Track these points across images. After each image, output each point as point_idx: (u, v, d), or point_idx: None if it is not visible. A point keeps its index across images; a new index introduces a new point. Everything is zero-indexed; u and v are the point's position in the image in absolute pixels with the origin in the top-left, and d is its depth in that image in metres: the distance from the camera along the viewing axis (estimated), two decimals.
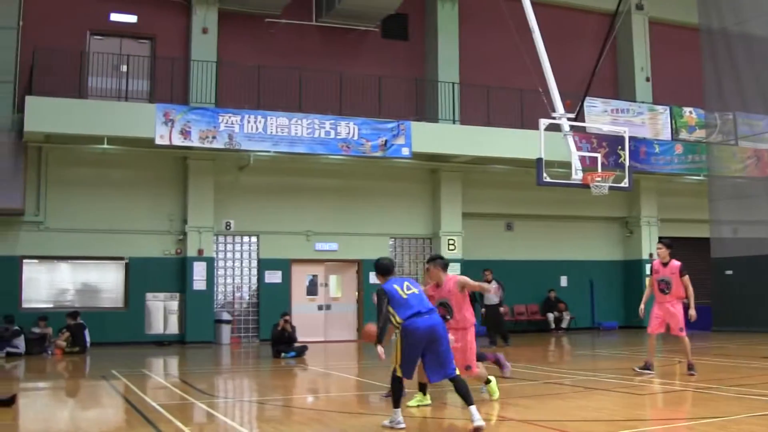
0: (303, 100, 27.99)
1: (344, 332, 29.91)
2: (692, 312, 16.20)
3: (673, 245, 16.66)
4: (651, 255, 34.07)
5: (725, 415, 11.10)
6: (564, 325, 32.83)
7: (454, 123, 30.18)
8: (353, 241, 30.08)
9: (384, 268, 11.46)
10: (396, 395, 10.51)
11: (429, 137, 28.52)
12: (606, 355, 23.33)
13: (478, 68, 31.71)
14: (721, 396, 13.32)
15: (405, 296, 10.72)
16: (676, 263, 16.43)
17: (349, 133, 27.10)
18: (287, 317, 23.22)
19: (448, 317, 12.34)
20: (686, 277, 16.32)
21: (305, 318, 28.36)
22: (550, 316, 32.69)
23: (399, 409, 10.43)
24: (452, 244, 30.61)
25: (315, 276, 29.63)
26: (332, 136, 26.95)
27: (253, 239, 29.38)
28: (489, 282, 25.18)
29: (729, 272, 30.56)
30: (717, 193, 32.61)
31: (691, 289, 16.31)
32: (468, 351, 12.52)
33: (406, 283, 10.99)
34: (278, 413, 12.80)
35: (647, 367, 16.50)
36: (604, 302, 34.44)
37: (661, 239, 17.07)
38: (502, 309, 26.53)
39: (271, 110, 26.67)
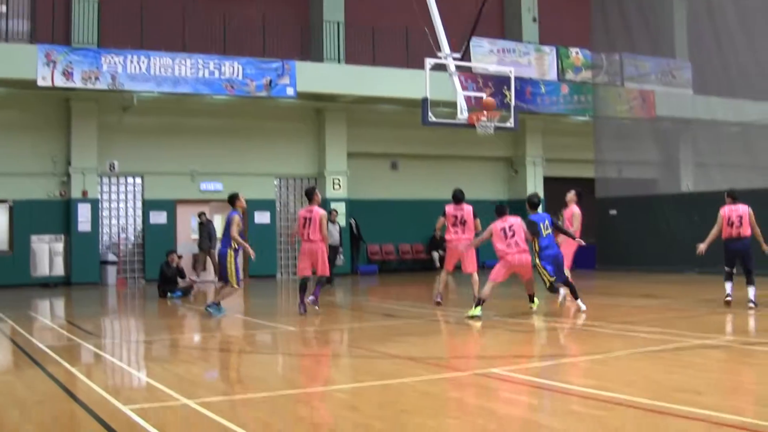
0: (187, 40, 27.60)
1: None
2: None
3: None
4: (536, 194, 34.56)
5: (607, 351, 11.41)
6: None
7: (339, 62, 30.04)
8: (238, 181, 29.81)
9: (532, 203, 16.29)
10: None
11: (314, 77, 28.33)
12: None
13: (364, 7, 31.51)
14: (603, 333, 13.67)
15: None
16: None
17: (233, 73, 26.81)
18: (173, 254, 23.01)
19: None
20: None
21: (191, 258, 28.13)
22: (435, 254, 32.96)
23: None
24: (337, 184, 30.62)
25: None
26: (216, 76, 26.63)
27: (138, 180, 28.97)
28: (334, 222, 25.45)
29: (613, 212, 31.15)
30: (602, 133, 33.16)
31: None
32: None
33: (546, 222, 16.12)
34: (165, 352, 12.77)
35: None
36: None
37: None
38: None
39: (155, 50, 26.20)
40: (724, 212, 16.74)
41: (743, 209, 16.68)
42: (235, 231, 16.02)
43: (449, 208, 18.44)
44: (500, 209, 16.79)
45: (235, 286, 16.13)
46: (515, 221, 16.30)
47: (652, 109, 33.57)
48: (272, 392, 9.00)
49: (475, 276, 17.92)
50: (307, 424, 7.43)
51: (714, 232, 16.72)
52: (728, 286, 16.65)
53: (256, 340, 13.97)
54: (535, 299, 16.88)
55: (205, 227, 27.48)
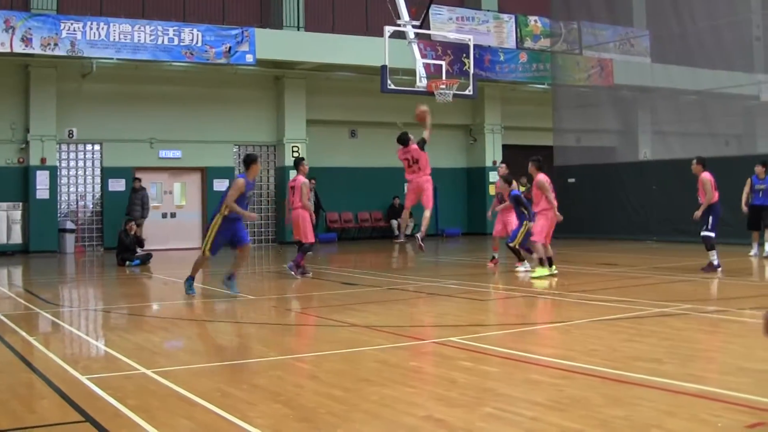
0: (146, 7, 27.35)
1: (189, 240, 29.62)
2: None
3: None
4: (495, 162, 34.66)
5: (568, 320, 11.46)
6: (408, 231, 33.17)
7: (298, 30, 29.84)
8: (197, 148, 29.70)
9: None
10: None
11: (273, 44, 28.17)
12: (449, 261, 23.76)
13: None
14: (563, 302, 13.75)
15: None
16: None
17: (192, 40, 26.58)
18: (131, 223, 22.85)
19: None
20: None
21: (150, 226, 27.94)
22: (394, 222, 32.98)
23: None
24: (296, 152, 30.47)
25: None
26: (176, 42, 26.40)
27: (96, 147, 28.71)
28: (311, 190, 25.69)
29: (571, 180, 31.25)
30: (561, 101, 33.27)
31: None
32: None
33: None
34: (124, 321, 12.69)
35: None
36: (448, 209, 34.91)
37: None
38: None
39: (114, 17, 25.92)
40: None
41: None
42: (232, 197, 14.27)
43: (399, 153, 19.48)
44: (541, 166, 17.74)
45: (206, 254, 15.05)
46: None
47: (611, 77, 33.69)
48: (231, 361, 8.98)
49: (428, 213, 18.83)
50: (266, 392, 7.40)
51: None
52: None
53: (216, 309, 13.90)
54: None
55: (138, 194, 27.29)
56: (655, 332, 10.33)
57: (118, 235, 22.52)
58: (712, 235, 17.30)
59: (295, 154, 30.16)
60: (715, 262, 17.17)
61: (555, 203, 17.29)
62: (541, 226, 17.15)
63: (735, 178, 22.12)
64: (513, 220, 18.84)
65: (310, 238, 17.65)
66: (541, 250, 17.04)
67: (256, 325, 11.91)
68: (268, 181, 31.35)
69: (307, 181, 17.90)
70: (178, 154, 29.50)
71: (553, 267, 17.06)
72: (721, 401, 6.75)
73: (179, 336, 11.22)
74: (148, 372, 8.21)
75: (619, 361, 8.38)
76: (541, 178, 17.36)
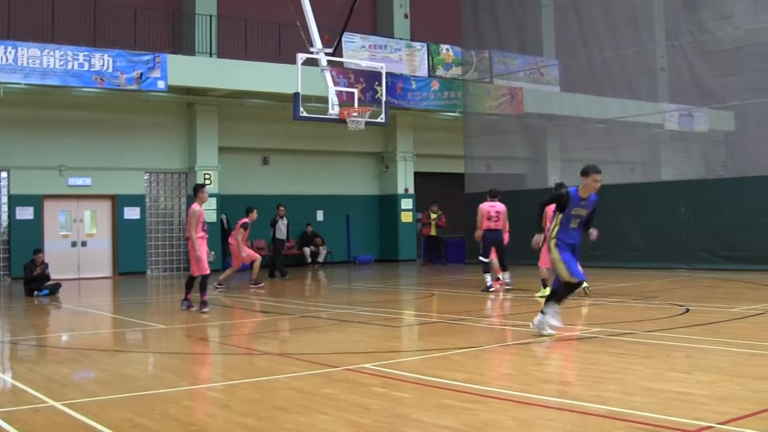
0: (56, 31, 26.98)
1: (99, 269, 29.27)
2: None
3: None
4: (407, 189, 34.91)
5: (479, 344, 11.58)
6: (320, 259, 33.23)
7: (211, 56, 29.78)
8: (108, 175, 29.37)
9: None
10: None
11: (185, 70, 28.02)
12: (362, 288, 23.81)
13: (237, 0, 31.33)
14: (475, 327, 13.88)
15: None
16: None
17: (103, 66, 26.33)
18: (40, 254, 22.51)
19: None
20: None
21: (59, 255, 27.55)
22: (307, 250, 33.01)
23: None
24: (208, 179, 30.31)
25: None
26: (86, 68, 26.13)
27: (3, 174, 28.19)
28: (282, 217, 25.74)
29: None
30: (472, 129, 33.60)
31: None
32: None
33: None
34: (32, 353, 12.49)
35: None
36: (360, 236, 35.03)
37: None
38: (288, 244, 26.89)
39: (23, 41, 25.56)
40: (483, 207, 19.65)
41: (500, 206, 19.71)
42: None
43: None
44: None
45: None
46: None
47: (521, 105, 34.13)
48: (143, 392, 8.88)
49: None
50: (178, 423, 7.36)
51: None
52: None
53: (127, 339, 13.77)
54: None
55: None
56: (564, 355, 10.51)
57: (25, 266, 22.17)
58: (486, 260, 19.33)
59: (207, 182, 30.01)
60: (488, 283, 19.09)
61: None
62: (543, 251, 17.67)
63: (640, 203, 22.57)
64: None
65: (193, 270, 16.75)
66: (545, 273, 17.54)
67: (168, 354, 11.82)
68: (180, 209, 31.10)
69: (198, 209, 16.63)
70: (88, 181, 29.12)
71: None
72: (627, 421, 6.92)
73: (89, 367, 11.08)
74: (57, 404, 8.10)
75: (530, 385, 8.51)
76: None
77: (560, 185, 17.65)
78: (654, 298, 17.04)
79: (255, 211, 23.31)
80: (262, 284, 23.22)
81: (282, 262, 27.10)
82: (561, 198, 11.85)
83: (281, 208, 26.29)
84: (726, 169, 29.69)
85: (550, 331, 11.61)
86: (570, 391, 8.18)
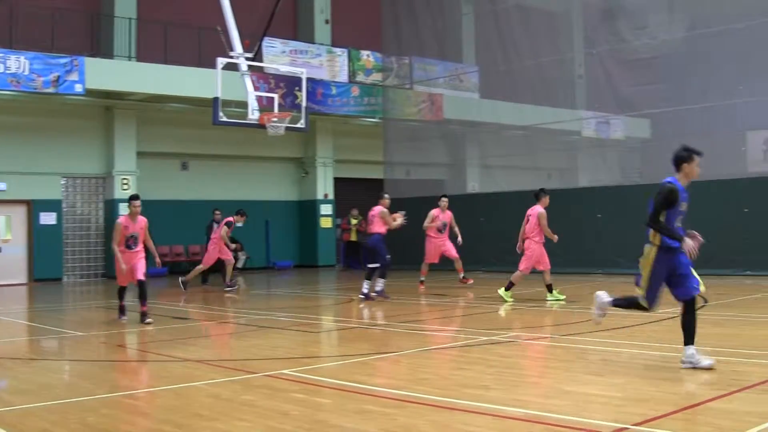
0: None
1: (15, 276, 28.77)
2: None
3: None
4: (326, 195, 34.91)
5: (399, 350, 11.62)
6: (239, 264, 32.94)
7: (130, 60, 29.43)
8: (23, 180, 28.87)
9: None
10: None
11: (104, 74, 27.65)
12: (281, 294, 23.74)
13: (157, 4, 31.04)
14: (393, 332, 13.92)
15: None
16: None
17: (19, 68, 25.88)
18: None
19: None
20: None
21: None
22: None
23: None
24: (126, 184, 29.97)
25: None
26: (1, 70, 25.65)
27: None
28: (218, 222, 25.41)
29: (401, 213, 31.49)
30: (391, 135, 33.75)
31: None
32: None
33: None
34: None
35: None
36: (280, 242, 34.93)
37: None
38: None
39: None
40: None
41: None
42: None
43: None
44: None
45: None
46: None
47: (440, 112, 34.36)
48: (60, 400, 8.75)
49: None
50: (96, 431, 7.28)
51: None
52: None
53: (43, 347, 13.57)
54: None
55: None
56: (482, 360, 10.59)
57: None
58: (372, 266, 18.88)
59: (125, 187, 29.70)
60: (365, 291, 18.65)
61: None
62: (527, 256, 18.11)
63: (557, 209, 22.81)
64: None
65: (119, 281, 16.16)
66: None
67: (85, 362, 11.68)
68: (97, 214, 30.72)
69: (120, 221, 15.84)
70: (2, 186, 28.61)
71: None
72: (544, 424, 7.02)
73: (4, 376, 10.89)
74: None
75: (449, 389, 8.58)
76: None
77: (542, 191, 18.04)
78: (570, 303, 17.25)
79: (245, 218, 24.44)
80: (236, 287, 23.25)
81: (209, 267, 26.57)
82: (671, 194, 9.69)
83: (217, 213, 25.94)
84: (641, 175, 30.17)
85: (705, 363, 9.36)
86: (488, 395, 8.25)
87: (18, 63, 25.90)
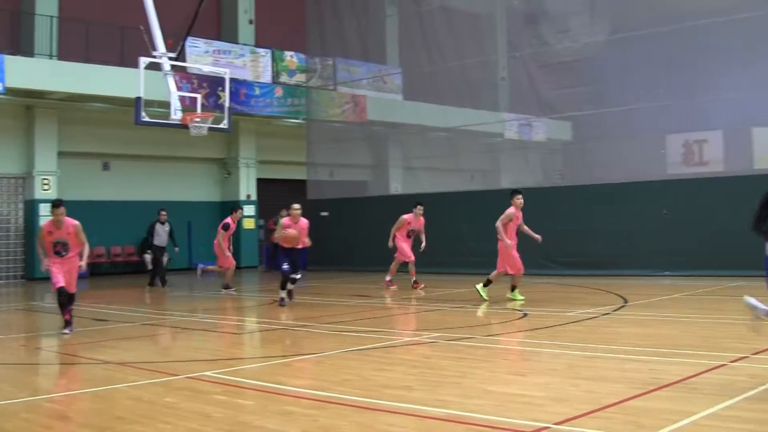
0: None
1: None
2: None
3: None
4: (249, 196, 34.79)
5: (321, 351, 11.64)
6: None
7: (51, 58, 29.03)
8: None
9: None
10: None
11: (24, 72, 27.18)
12: (203, 296, 23.61)
13: (79, 2, 30.63)
14: (316, 333, 13.94)
15: None
16: None
17: None
18: None
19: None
20: None
21: None
22: (147, 257, 32.43)
23: None
24: (46, 184, 29.58)
25: None
26: None
27: None
28: (163, 223, 25.08)
29: (324, 213, 31.61)
30: (315, 136, 33.76)
31: None
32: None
33: None
34: None
35: None
36: (202, 243, 34.68)
37: None
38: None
39: None
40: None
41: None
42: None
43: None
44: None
45: None
46: None
47: (364, 113, 34.43)
48: None
49: None
50: None
51: None
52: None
53: None
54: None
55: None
56: (405, 360, 10.66)
57: None
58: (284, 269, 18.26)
59: (45, 187, 29.32)
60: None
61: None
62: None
63: (479, 211, 23.08)
64: None
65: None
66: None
67: (4, 365, 11.52)
68: (17, 215, 30.26)
69: (43, 227, 14.98)
70: None
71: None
72: (466, 423, 7.10)
73: None
74: None
75: (371, 390, 8.63)
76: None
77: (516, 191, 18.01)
78: (492, 304, 17.41)
79: (240, 210, 24.14)
80: (234, 288, 23.15)
81: (162, 269, 26.03)
82: None
83: (162, 213, 25.52)
84: (563, 177, 30.53)
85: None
86: (410, 395, 8.31)
87: None
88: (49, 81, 28.05)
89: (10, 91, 27.34)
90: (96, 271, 31.29)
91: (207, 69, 27.56)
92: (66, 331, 14.22)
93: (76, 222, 14.75)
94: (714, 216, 22.58)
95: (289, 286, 18.36)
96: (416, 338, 12.52)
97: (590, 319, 14.11)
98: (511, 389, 8.56)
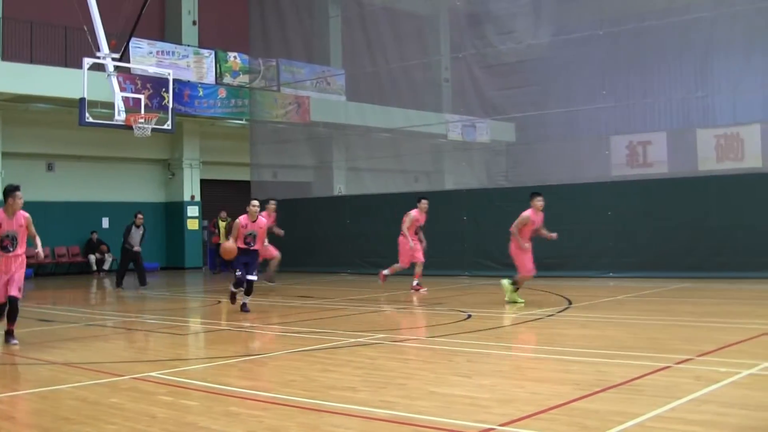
0: None
1: None
2: None
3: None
4: (192, 197, 34.68)
5: (265, 352, 11.70)
6: (106, 266, 32.62)
7: None
8: None
9: None
10: None
11: None
12: (148, 296, 23.53)
13: (23, 2, 30.32)
14: (260, 334, 13.98)
15: None
16: None
17: None
18: None
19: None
20: None
21: None
22: (92, 257, 32.36)
23: None
24: None
25: None
26: None
27: None
28: (138, 226, 24.84)
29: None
30: (258, 137, 33.74)
31: None
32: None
33: None
34: None
35: None
36: (146, 243, 34.37)
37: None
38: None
39: None
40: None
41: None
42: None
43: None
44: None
45: None
46: None
47: (307, 114, 34.46)
48: None
49: None
50: None
51: None
52: None
53: None
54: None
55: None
56: (349, 362, 10.73)
57: None
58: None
59: None
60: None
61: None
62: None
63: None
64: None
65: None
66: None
67: None
68: None
69: None
70: None
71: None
72: (411, 425, 7.18)
73: None
74: None
75: (316, 391, 8.69)
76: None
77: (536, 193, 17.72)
78: (437, 305, 17.54)
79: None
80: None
81: (141, 270, 25.74)
82: None
83: (139, 216, 25.26)
84: (507, 179, 30.73)
85: None
86: (356, 396, 8.38)
87: None
88: None
89: None
90: (41, 272, 31.05)
91: (151, 70, 27.49)
92: (14, 342, 12.84)
93: (27, 214, 13.20)
94: (659, 217, 22.87)
95: (242, 292, 17.54)
96: (361, 339, 12.58)
97: (535, 320, 14.27)
98: (457, 390, 8.62)
